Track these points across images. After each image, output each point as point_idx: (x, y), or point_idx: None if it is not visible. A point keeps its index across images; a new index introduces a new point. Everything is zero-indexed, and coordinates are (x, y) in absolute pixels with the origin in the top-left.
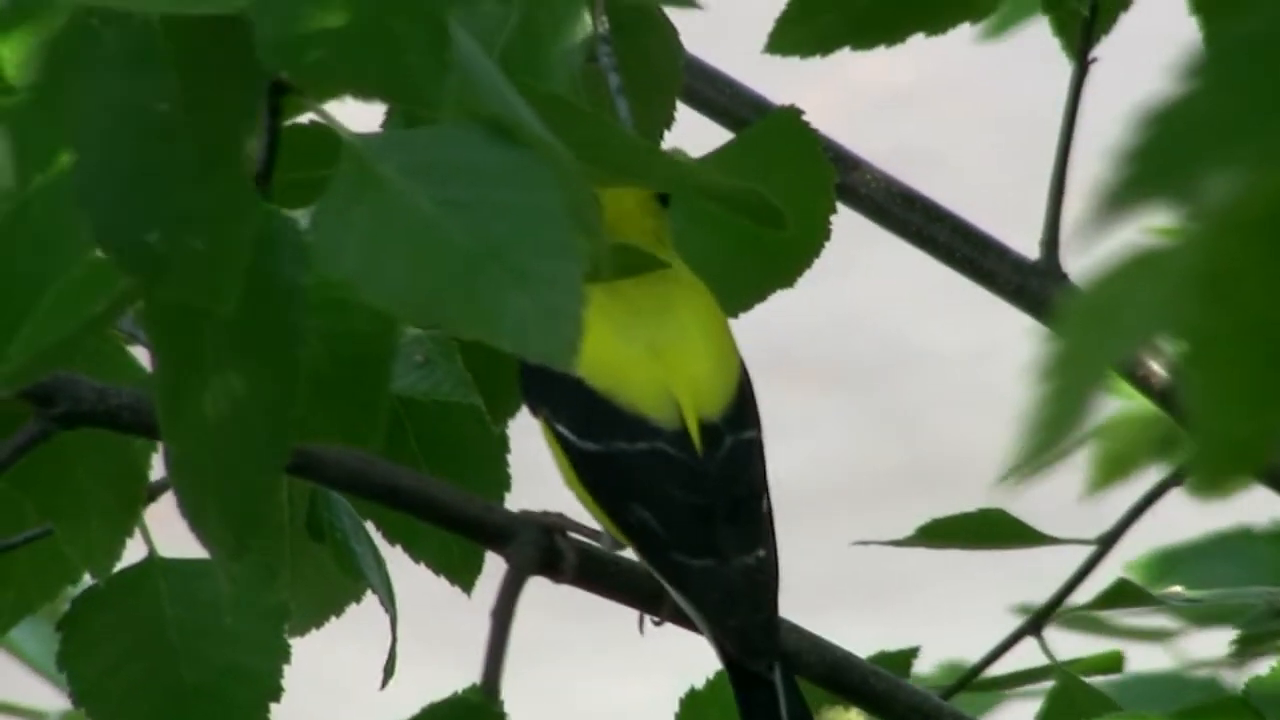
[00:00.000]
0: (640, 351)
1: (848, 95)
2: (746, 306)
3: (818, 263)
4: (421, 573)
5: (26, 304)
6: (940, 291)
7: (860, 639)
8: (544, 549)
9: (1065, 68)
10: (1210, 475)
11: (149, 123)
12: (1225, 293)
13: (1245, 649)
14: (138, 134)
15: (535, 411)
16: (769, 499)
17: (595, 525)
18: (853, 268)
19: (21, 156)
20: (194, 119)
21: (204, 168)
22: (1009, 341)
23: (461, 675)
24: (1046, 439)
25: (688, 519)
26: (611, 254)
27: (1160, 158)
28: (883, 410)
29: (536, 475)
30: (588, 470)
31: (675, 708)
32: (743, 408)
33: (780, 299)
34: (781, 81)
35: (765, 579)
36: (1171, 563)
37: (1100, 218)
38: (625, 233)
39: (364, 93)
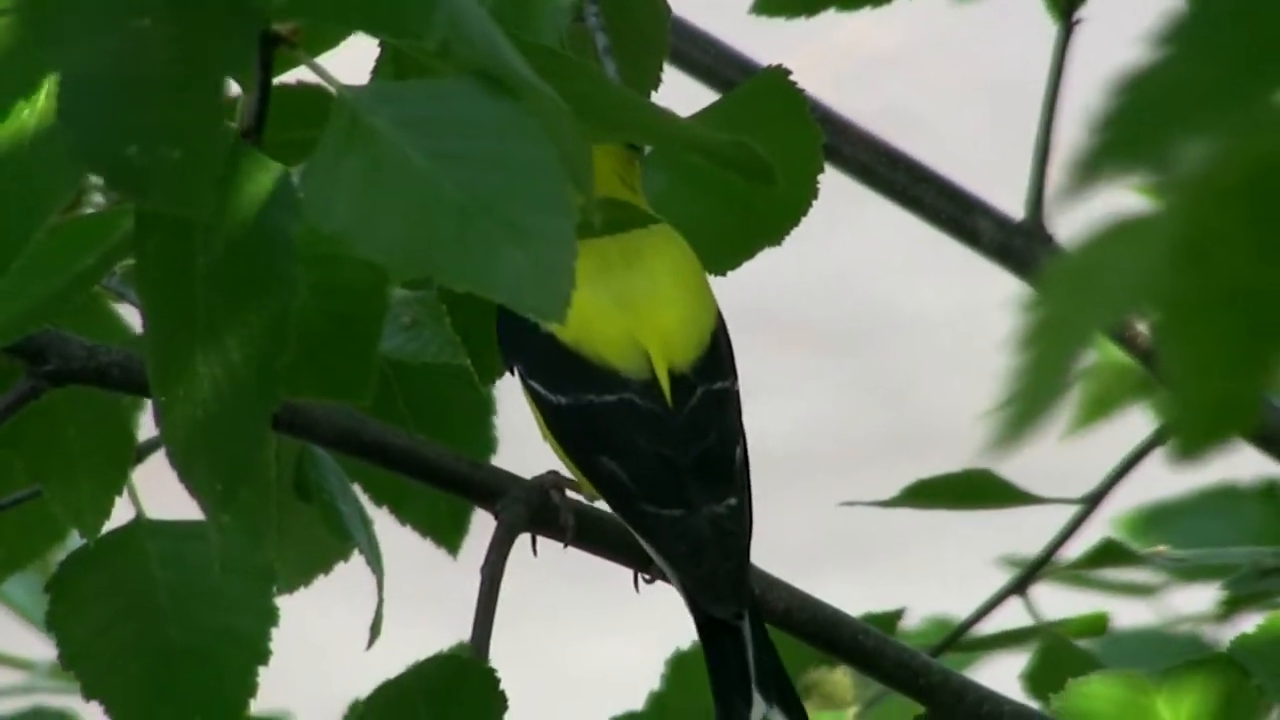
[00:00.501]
0: (609, 303)
1: (834, 57)
2: (734, 264)
3: (804, 223)
4: (408, 532)
5: (20, 239)
6: (927, 253)
7: (847, 599)
8: (533, 506)
9: (1051, 29)
10: (1189, 440)
11: (130, 39)
12: (1203, 260)
13: (1231, 609)
14: (119, 51)
15: (511, 369)
16: (744, 449)
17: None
18: (839, 227)
19: (5, 81)
20: (174, 34)
21: (181, 83)
22: (995, 304)
23: (449, 634)
24: (1030, 404)
25: (656, 469)
26: (601, 208)
27: (1134, 125)
28: (870, 372)
29: (523, 435)
30: (560, 423)
31: (662, 668)
32: (715, 358)
33: (767, 259)
34: (767, 43)
35: (735, 528)
36: (1157, 520)
37: (1076, 185)
38: (598, 183)
39: (355, 23)
